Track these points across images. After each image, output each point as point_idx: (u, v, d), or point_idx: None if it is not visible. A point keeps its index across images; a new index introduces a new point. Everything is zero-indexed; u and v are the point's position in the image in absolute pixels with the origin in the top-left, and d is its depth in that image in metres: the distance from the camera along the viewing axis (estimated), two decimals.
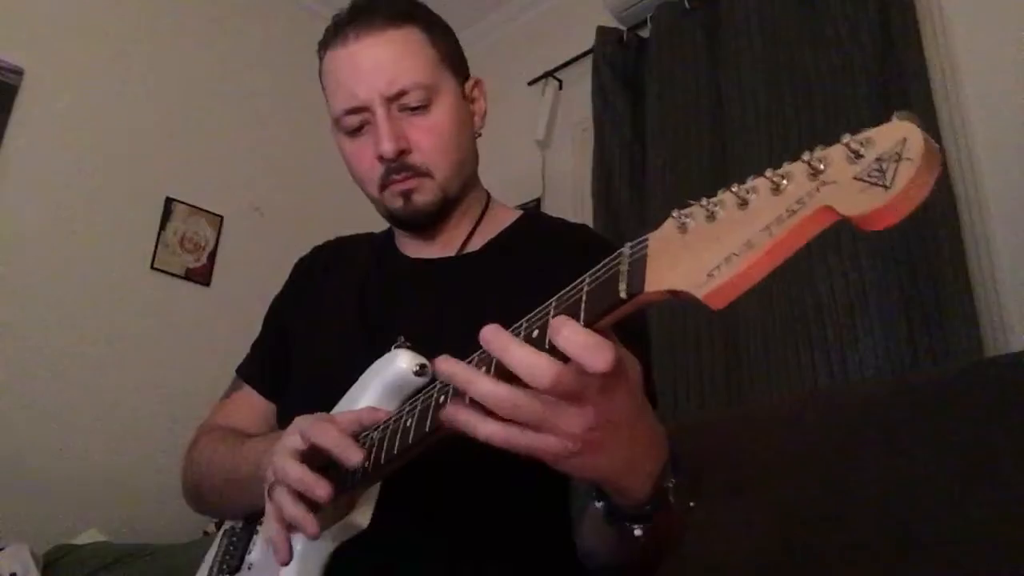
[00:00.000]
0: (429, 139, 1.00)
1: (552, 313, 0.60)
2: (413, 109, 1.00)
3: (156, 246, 2.77)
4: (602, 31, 2.71)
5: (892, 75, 2.00)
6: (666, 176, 2.38)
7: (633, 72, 2.65)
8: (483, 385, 0.59)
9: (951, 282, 1.77)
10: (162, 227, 2.80)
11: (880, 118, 0.45)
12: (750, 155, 2.19)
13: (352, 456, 0.74)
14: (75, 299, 2.57)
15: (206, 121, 2.98)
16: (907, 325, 1.81)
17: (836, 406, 1.50)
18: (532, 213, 1.19)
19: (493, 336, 0.59)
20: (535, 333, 0.60)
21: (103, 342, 2.59)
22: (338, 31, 1.02)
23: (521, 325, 0.62)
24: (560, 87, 2.96)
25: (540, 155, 2.94)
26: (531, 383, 0.57)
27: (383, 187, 1.02)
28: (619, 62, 2.66)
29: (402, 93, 0.98)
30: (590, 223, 2.37)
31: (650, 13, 2.61)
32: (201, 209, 2.90)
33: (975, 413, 1.26)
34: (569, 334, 0.55)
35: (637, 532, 0.69)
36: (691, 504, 0.69)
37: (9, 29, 2.59)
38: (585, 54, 2.79)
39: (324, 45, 1.04)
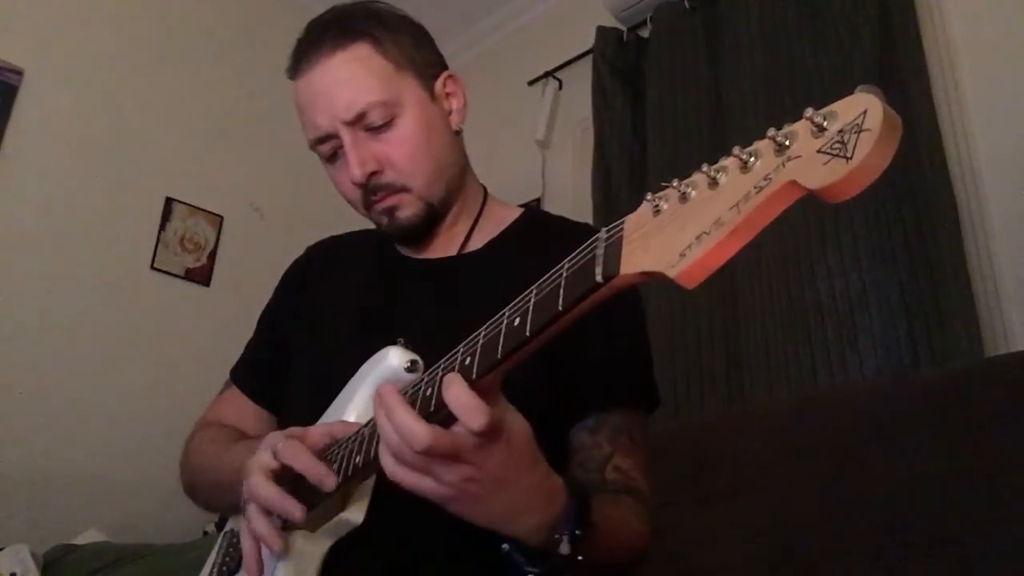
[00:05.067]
0: (399, 154, 1.00)
1: (532, 300, 0.60)
2: (378, 127, 0.99)
3: (156, 246, 2.77)
4: (602, 31, 2.71)
5: (892, 75, 2.00)
6: (666, 176, 2.36)
7: (633, 72, 2.65)
8: (385, 423, 0.66)
9: (951, 282, 1.77)
10: (162, 227, 2.80)
11: None
12: None
13: (327, 482, 0.76)
14: (75, 299, 2.57)
15: (206, 121, 2.98)
16: (907, 325, 1.81)
17: (836, 406, 1.49)
18: (533, 211, 1.19)
19: (385, 397, 0.66)
20: (429, 391, 0.67)
21: (103, 342, 2.59)
22: (296, 61, 1.02)
23: (458, 350, 0.67)
24: (560, 87, 2.95)
25: (540, 155, 2.94)
26: (409, 445, 0.64)
27: (367, 207, 1.04)
28: (619, 62, 2.66)
29: (362, 115, 0.98)
30: (590, 223, 2.37)
31: (650, 13, 2.61)
32: (201, 209, 2.90)
33: (975, 413, 1.25)
34: (457, 392, 0.62)
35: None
36: (579, 558, 0.71)
37: (9, 29, 2.59)
38: (585, 54, 2.79)
39: (289, 75, 1.04)
